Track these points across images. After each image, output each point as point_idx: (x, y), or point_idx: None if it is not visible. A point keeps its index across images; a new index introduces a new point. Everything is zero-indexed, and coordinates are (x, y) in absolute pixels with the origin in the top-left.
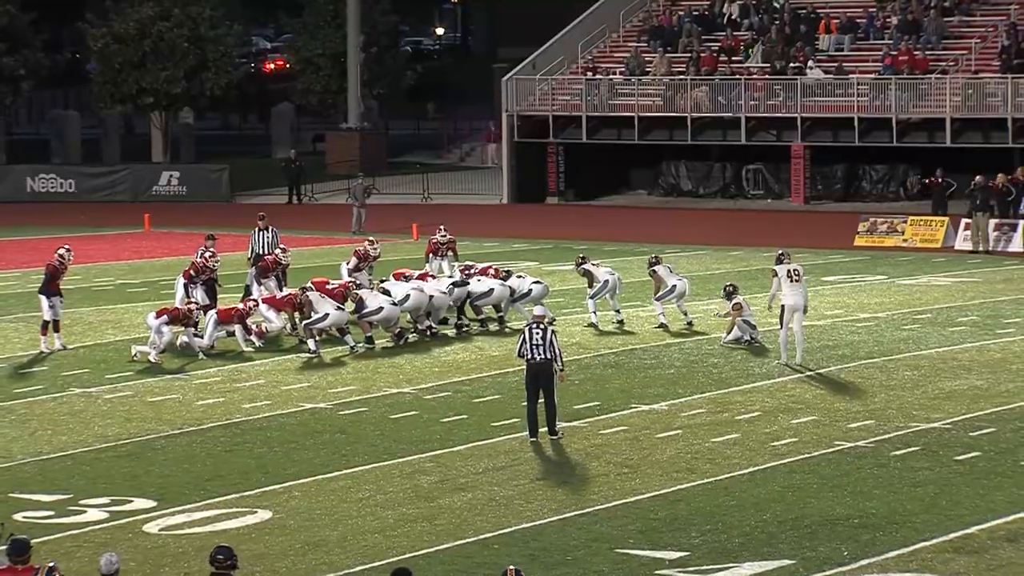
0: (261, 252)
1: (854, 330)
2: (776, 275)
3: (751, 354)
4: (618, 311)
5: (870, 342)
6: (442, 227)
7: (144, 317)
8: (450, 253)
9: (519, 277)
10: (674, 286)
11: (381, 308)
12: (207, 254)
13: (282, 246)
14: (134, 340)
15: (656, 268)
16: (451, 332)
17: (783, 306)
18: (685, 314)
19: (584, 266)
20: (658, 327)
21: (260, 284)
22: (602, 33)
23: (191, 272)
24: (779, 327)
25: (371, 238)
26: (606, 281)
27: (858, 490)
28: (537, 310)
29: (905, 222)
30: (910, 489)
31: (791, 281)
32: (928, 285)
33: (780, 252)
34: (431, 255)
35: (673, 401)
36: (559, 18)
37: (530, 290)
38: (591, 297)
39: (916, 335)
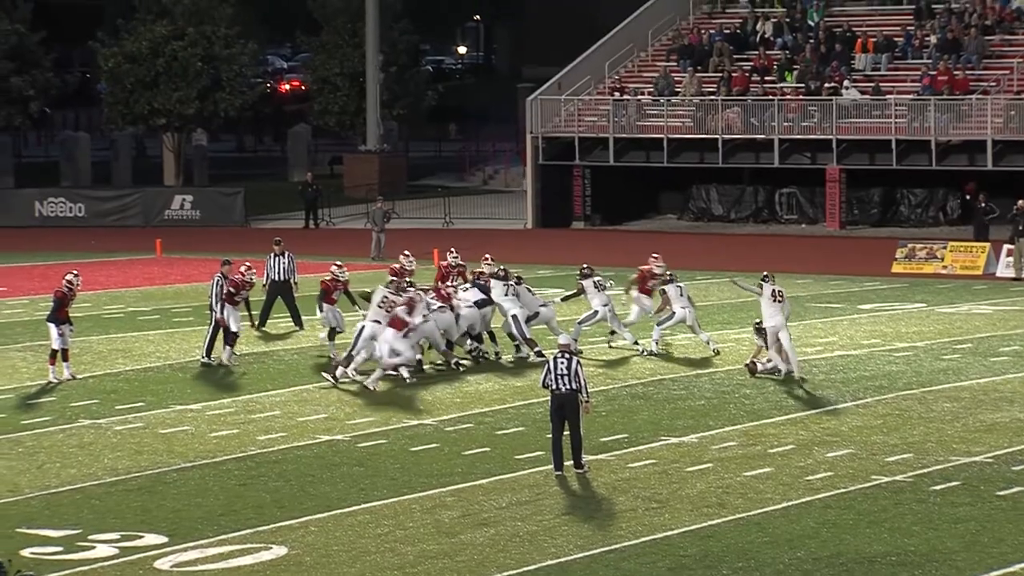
0: (277, 278)
1: (891, 360)
2: (760, 295)
3: (784, 385)
4: (637, 342)
5: (908, 372)
6: (452, 250)
7: (153, 346)
8: (459, 279)
9: (528, 291)
10: (674, 313)
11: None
12: (242, 268)
13: (338, 262)
14: (145, 369)
15: (666, 288)
16: (465, 361)
17: (766, 328)
18: (708, 342)
19: (582, 281)
20: (643, 353)
21: (322, 309)
22: (630, 52)
23: (230, 290)
24: (763, 346)
25: (338, 262)
26: (595, 312)
27: (896, 526)
28: (562, 339)
29: (945, 248)
30: (950, 526)
31: (774, 301)
32: (969, 314)
33: (765, 273)
34: (441, 281)
35: (703, 433)
36: (585, 36)
37: (537, 312)
38: (578, 323)
39: (956, 365)
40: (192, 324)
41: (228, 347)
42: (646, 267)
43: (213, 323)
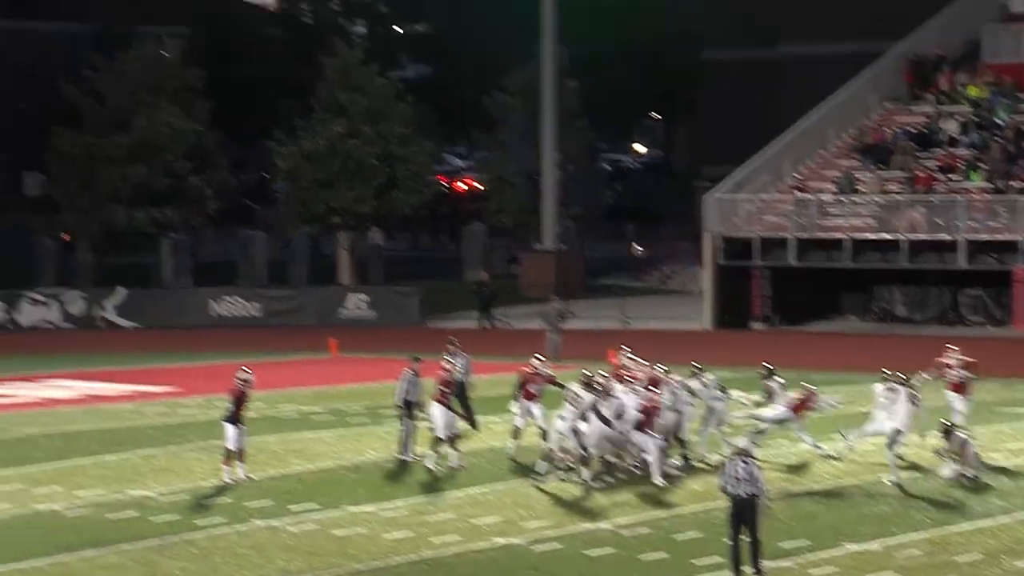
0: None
1: None
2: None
3: (971, 491)
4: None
5: None
6: (624, 348)
7: (326, 446)
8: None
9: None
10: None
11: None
12: (444, 364)
13: (539, 356)
14: (319, 470)
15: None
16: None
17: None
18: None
19: (767, 381)
20: (836, 451)
21: (517, 400)
22: (811, 150)
23: (443, 387)
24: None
25: (539, 355)
26: (769, 418)
27: None
28: (740, 441)
29: None
30: None
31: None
32: None
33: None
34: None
35: (887, 540)
36: (765, 134)
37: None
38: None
39: None
40: (366, 424)
41: (438, 451)
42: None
43: (406, 421)
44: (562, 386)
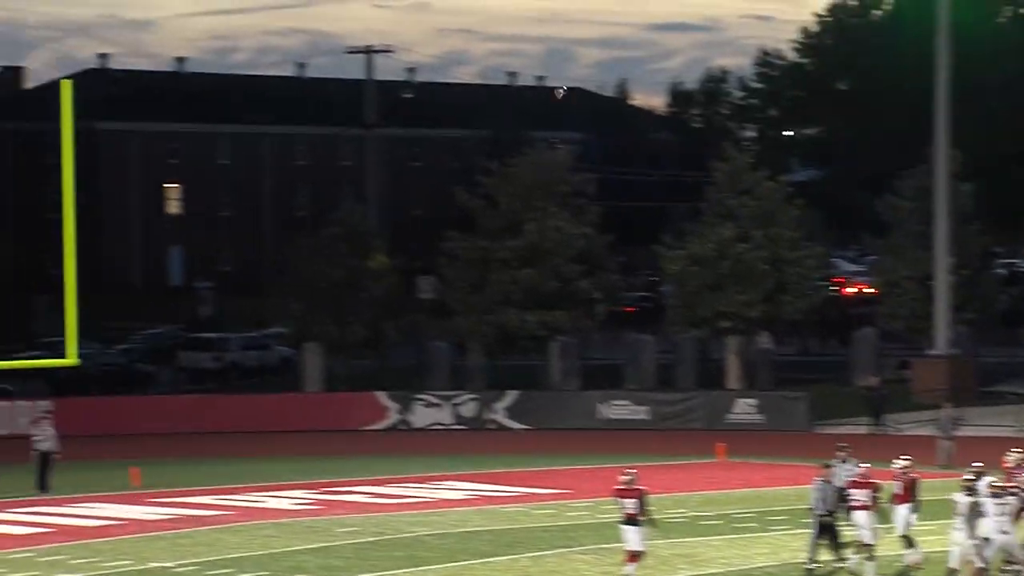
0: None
1: None
2: None
3: None
4: None
5: None
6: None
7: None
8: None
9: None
10: None
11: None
12: (898, 470)
13: (906, 458)
14: None
15: None
16: None
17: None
18: None
19: None
20: None
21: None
22: None
23: (904, 490)
24: None
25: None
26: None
27: None
28: None
29: None
30: None
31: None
32: None
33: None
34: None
35: None
36: None
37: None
38: None
39: None
40: (754, 530)
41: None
42: None
43: (817, 527)
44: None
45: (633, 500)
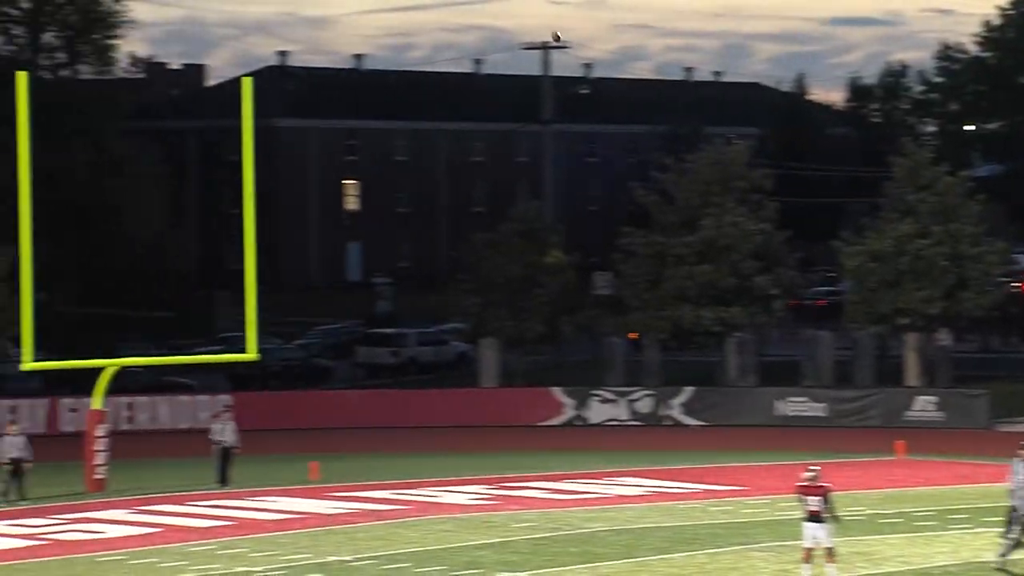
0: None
1: None
2: None
3: None
4: None
5: None
6: None
7: (894, 550)
8: None
9: None
10: None
11: None
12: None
13: None
14: (884, 574)
15: None
16: None
17: None
18: None
19: None
20: None
21: None
22: None
23: None
24: None
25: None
26: None
27: None
28: None
29: None
30: None
31: None
32: None
33: None
34: None
35: None
36: None
37: None
38: None
39: None
40: (934, 528)
41: None
42: None
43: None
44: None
45: (817, 497)
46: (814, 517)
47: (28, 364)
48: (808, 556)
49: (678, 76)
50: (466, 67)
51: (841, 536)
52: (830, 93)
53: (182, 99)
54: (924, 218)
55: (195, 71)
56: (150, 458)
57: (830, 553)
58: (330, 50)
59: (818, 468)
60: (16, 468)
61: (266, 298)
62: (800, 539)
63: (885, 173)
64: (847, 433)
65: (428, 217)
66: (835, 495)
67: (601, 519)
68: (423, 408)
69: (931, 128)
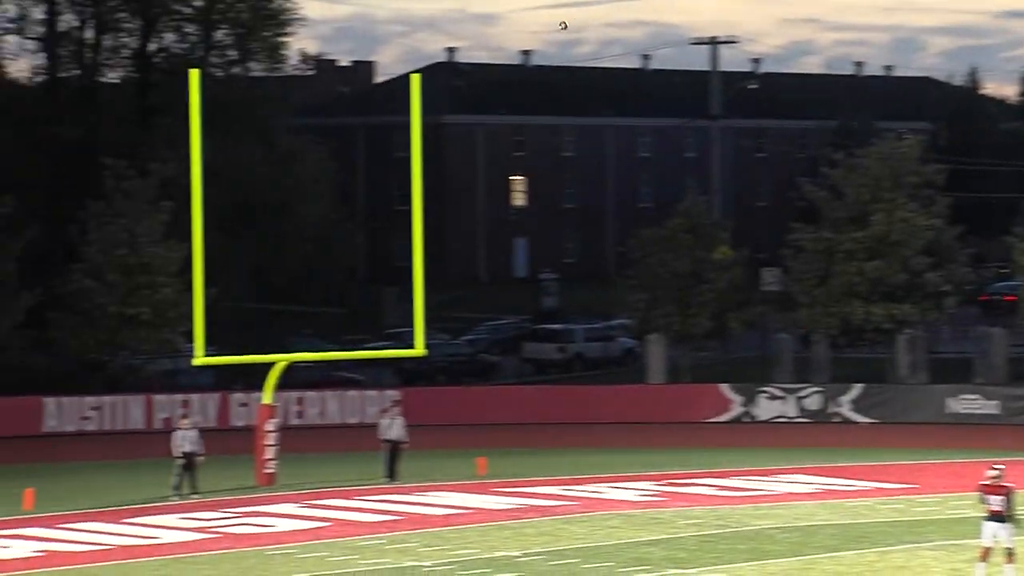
0: None
1: None
2: None
3: None
4: None
5: None
6: None
7: None
8: None
9: None
10: None
11: None
12: None
13: None
14: None
15: None
16: None
17: None
18: None
19: None
20: None
21: None
22: None
23: None
24: None
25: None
26: None
27: None
28: None
29: None
30: None
31: None
32: None
33: None
34: None
35: None
36: None
37: None
38: None
39: None
40: None
41: None
42: None
43: None
44: None
45: (1000, 496)
46: (996, 517)
47: (200, 359)
48: (985, 555)
49: (848, 71)
50: (634, 62)
51: (1019, 536)
52: (1003, 87)
53: (351, 96)
54: None
55: (364, 68)
56: (319, 452)
57: (1010, 554)
58: (498, 46)
59: (1002, 467)
60: (188, 462)
61: (433, 294)
62: (974, 538)
63: None
64: (1021, 431)
65: (595, 213)
66: (1018, 495)
67: (769, 516)
68: (590, 404)
69: None
